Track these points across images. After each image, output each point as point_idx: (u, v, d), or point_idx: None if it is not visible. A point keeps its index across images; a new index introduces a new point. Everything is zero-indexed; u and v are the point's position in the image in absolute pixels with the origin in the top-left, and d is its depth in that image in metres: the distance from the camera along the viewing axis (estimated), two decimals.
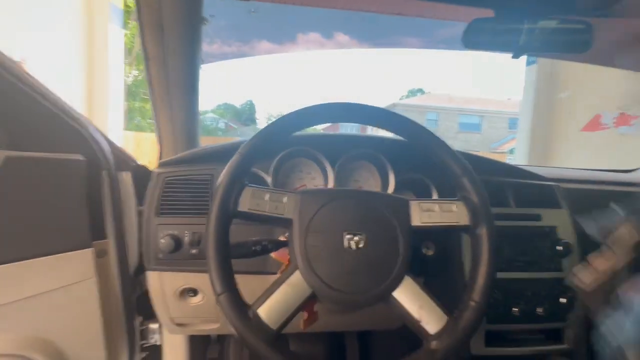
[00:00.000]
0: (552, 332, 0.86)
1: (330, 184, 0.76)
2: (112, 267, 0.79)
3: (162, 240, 0.72)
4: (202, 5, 0.56)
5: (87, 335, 0.73)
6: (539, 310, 0.76)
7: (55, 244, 0.65)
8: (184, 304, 0.78)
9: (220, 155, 0.79)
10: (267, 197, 0.51)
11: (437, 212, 0.54)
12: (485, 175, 0.58)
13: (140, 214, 0.85)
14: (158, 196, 0.76)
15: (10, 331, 0.61)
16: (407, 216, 0.53)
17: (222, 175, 0.50)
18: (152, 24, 0.57)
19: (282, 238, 0.64)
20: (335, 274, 0.49)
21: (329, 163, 0.77)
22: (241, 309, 0.46)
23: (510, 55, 0.83)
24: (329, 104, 0.57)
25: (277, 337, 0.46)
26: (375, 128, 0.61)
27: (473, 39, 0.77)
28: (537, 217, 0.82)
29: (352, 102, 0.56)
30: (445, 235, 0.77)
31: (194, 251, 0.73)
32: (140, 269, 0.88)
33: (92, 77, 3.65)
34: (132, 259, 0.85)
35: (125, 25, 4.15)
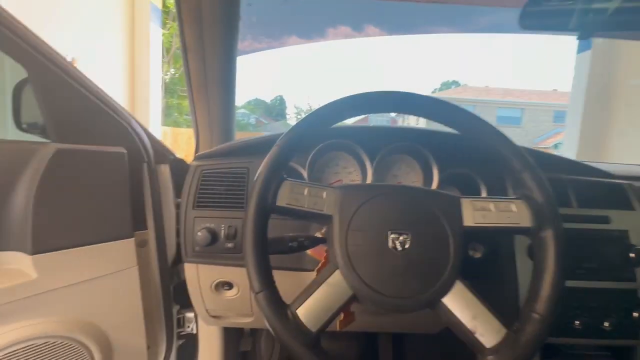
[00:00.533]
0: (621, 350, 0.77)
1: (369, 179, 0.72)
2: (151, 257, 0.81)
3: (199, 233, 0.72)
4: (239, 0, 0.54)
5: (129, 321, 0.76)
6: (606, 324, 0.67)
7: (100, 233, 0.68)
8: (219, 296, 0.79)
9: (256, 148, 0.78)
10: (305, 191, 0.48)
11: (493, 211, 0.49)
12: (544, 172, 0.51)
13: (178, 206, 0.87)
14: (195, 189, 0.77)
15: (61, 314, 0.64)
16: (458, 215, 0.48)
17: (260, 168, 0.48)
18: (191, 19, 0.57)
19: (318, 234, 0.61)
20: (379, 275, 0.46)
21: (367, 157, 0.73)
22: (280, 308, 0.44)
23: (558, 41, 0.74)
24: (369, 93, 0.53)
25: (317, 340, 0.44)
26: (407, 119, 0.56)
27: (531, 19, 0.68)
28: (605, 220, 0.72)
29: (395, 90, 0.51)
30: (497, 237, 0.70)
31: (229, 245, 0.72)
32: (178, 260, 0.91)
33: (134, 74, 3.86)
34: (170, 250, 0.87)
35: (164, 25, 4.32)
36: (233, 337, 1.00)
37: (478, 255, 0.66)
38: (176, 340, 0.93)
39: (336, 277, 0.45)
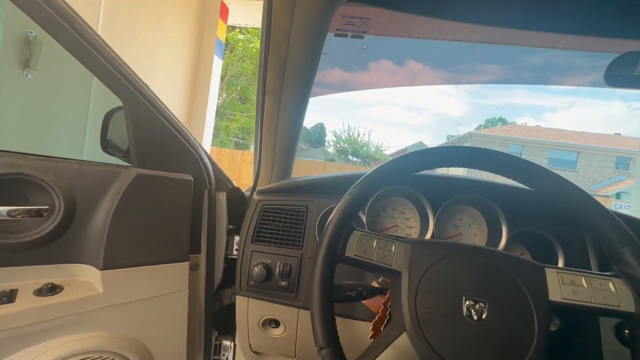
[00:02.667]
0: None
1: (430, 229, 0.69)
2: (200, 281, 0.84)
3: (256, 268, 0.73)
4: (323, 43, 0.58)
5: (173, 342, 0.77)
6: None
7: (161, 254, 0.71)
8: (264, 333, 0.78)
9: (316, 188, 0.79)
10: (374, 243, 0.47)
11: (586, 288, 0.43)
12: None
13: (229, 232, 0.90)
14: (255, 223, 0.78)
15: (115, 330, 0.67)
16: (543, 287, 0.44)
17: (332, 216, 0.48)
18: (276, 62, 0.61)
19: (375, 284, 0.59)
20: (451, 345, 0.41)
21: (430, 206, 0.71)
22: None
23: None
24: (445, 148, 0.51)
25: None
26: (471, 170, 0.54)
27: (620, 75, 0.64)
28: None
29: (471, 147, 0.50)
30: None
31: (283, 283, 0.72)
32: (222, 285, 0.92)
33: (194, 99, 4.22)
34: (217, 275, 0.89)
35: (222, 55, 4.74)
36: None
37: (554, 328, 0.57)
38: None
39: (403, 340, 0.42)
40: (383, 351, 0.41)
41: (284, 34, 0.56)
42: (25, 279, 0.60)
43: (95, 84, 2.09)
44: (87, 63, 0.63)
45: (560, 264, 0.66)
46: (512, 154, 0.51)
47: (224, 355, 0.95)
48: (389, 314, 0.52)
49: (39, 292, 0.59)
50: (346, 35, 0.66)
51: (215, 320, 0.90)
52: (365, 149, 17.37)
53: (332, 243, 0.46)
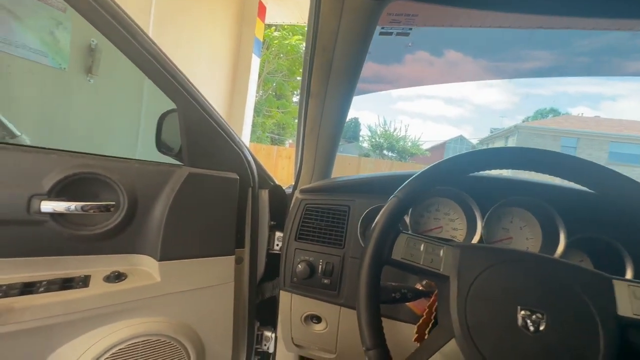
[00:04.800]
0: None
1: (477, 232, 0.66)
2: (244, 274, 0.88)
3: (299, 266, 0.75)
4: (370, 44, 0.57)
5: (221, 331, 0.82)
6: None
7: (210, 248, 0.76)
8: (306, 328, 0.80)
9: (358, 188, 0.79)
10: (422, 247, 0.46)
11: None
12: None
13: (270, 228, 0.94)
14: (298, 221, 0.81)
15: (170, 317, 0.73)
16: (610, 301, 0.40)
17: (378, 219, 0.48)
18: (322, 64, 0.61)
19: (419, 287, 0.59)
20: (505, 355, 0.39)
21: (478, 208, 0.68)
22: None
23: None
24: (499, 149, 0.48)
25: None
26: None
27: None
28: None
29: (527, 148, 0.46)
30: None
31: (326, 281, 0.74)
32: (263, 279, 0.96)
33: (233, 97, 4.39)
34: (260, 269, 0.93)
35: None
36: None
37: None
38: (254, 356, 0.97)
39: (451, 347, 0.41)
40: (430, 357, 0.41)
41: (331, 36, 0.56)
42: (96, 266, 0.67)
43: (146, 88, 2.25)
44: (146, 69, 0.68)
45: (629, 275, 0.60)
46: (578, 157, 0.46)
47: (265, 345, 1.00)
48: (435, 317, 0.52)
49: (108, 279, 0.65)
50: (391, 34, 0.64)
51: (257, 311, 0.95)
52: (401, 143, 16.88)
53: (378, 246, 0.46)
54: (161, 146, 0.91)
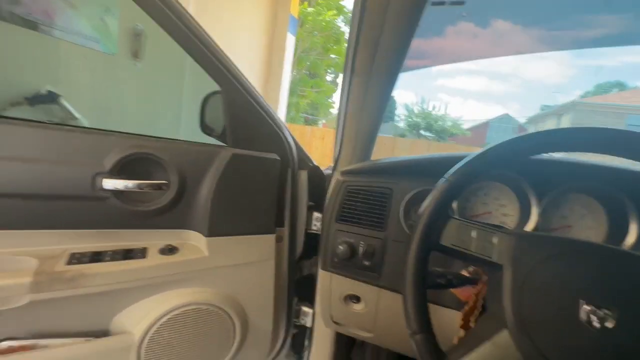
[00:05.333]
0: None
1: (532, 220, 0.62)
2: (284, 252, 0.91)
3: (340, 247, 0.76)
4: (420, 19, 0.53)
5: (263, 305, 0.87)
6: None
7: (253, 226, 0.79)
8: (345, 307, 0.82)
9: (401, 170, 0.77)
10: (474, 233, 0.44)
11: None
12: None
13: (309, 208, 0.95)
14: (340, 203, 0.80)
15: (217, 288, 0.78)
16: None
17: (427, 202, 0.46)
18: (368, 43, 0.59)
19: (465, 273, 0.57)
20: (564, 351, 0.37)
21: (534, 194, 0.63)
22: (438, 356, 0.41)
23: None
24: (565, 130, 0.43)
25: None
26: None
27: None
28: None
29: (602, 127, 0.41)
30: None
31: (366, 263, 0.74)
32: (302, 257, 0.99)
33: (268, 76, 4.41)
34: (298, 247, 0.96)
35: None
36: (345, 342, 1.03)
37: None
38: (292, 328, 1.02)
39: (504, 337, 0.39)
40: (480, 345, 0.40)
41: (379, 14, 0.53)
42: (152, 239, 0.72)
43: (187, 73, 2.33)
44: (192, 52, 0.70)
45: None
46: None
47: (302, 319, 1.04)
48: (482, 305, 0.50)
49: (162, 251, 0.71)
50: (443, 3, 0.59)
51: (296, 288, 0.98)
52: (439, 123, 16.06)
53: (427, 231, 0.44)
54: (205, 127, 0.94)
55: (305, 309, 1.04)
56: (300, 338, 1.11)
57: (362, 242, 0.74)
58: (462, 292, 0.58)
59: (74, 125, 0.66)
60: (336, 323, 0.85)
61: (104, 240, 0.68)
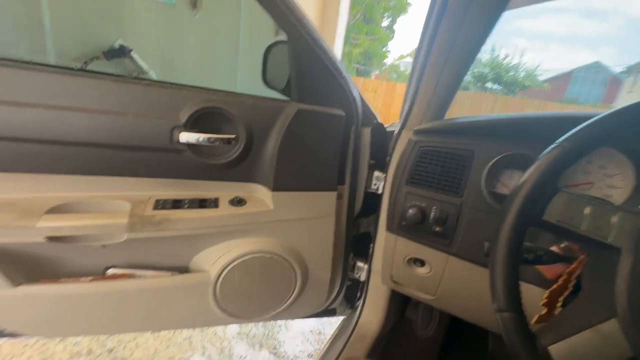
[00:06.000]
0: None
1: None
2: (343, 209, 0.91)
3: (410, 210, 0.73)
4: None
5: (322, 257, 0.90)
6: None
7: (316, 183, 0.79)
8: (408, 269, 0.82)
9: (485, 130, 0.69)
10: (587, 210, 0.38)
11: None
12: None
13: (370, 167, 0.92)
14: (411, 164, 0.76)
15: (281, 239, 0.82)
16: None
17: (532, 171, 0.40)
18: None
19: (556, 250, 0.51)
20: None
21: None
22: (528, 337, 0.39)
23: None
24: None
25: None
26: None
27: None
28: None
29: None
30: None
31: (437, 229, 0.71)
32: (360, 215, 0.99)
33: (323, 23, 4.16)
34: (357, 206, 0.95)
35: None
36: (400, 299, 1.05)
37: None
38: (347, 281, 1.06)
39: (611, 327, 0.35)
40: (578, 332, 0.36)
41: None
42: (222, 191, 0.77)
43: (243, 23, 2.27)
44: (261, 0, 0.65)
45: None
46: None
47: (357, 274, 1.08)
48: (574, 286, 0.45)
49: (231, 202, 0.75)
50: None
51: (352, 243, 1.00)
52: (511, 73, 14.10)
53: (528, 203, 0.39)
54: (267, 80, 0.92)
55: (359, 264, 1.06)
56: (353, 290, 1.16)
57: (434, 207, 0.70)
58: (549, 270, 0.53)
59: (151, 80, 0.69)
60: (395, 282, 0.86)
61: (182, 189, 0.74)
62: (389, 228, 0.79)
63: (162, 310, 0.80)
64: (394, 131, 0.91)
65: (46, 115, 0.60)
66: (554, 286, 0.47)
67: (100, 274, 0.74)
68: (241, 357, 1.41)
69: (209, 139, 0.69)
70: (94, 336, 1.39)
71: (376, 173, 0.93)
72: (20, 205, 0.61)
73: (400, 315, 1.13)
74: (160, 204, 0.69)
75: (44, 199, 0.63)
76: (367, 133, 0.87)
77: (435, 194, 0.70)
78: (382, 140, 0.93)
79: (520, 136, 0.63)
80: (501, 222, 0.40)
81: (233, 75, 2.52)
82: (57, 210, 0.63)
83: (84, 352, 1.33)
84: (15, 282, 0.65)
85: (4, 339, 0.82)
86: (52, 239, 0.62)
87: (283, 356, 1.44)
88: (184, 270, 0.80)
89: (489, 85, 14.40)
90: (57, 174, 0.64)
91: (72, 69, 0.64)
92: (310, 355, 1.46)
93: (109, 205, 0.67)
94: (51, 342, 1.36)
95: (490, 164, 0.63)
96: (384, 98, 8.92)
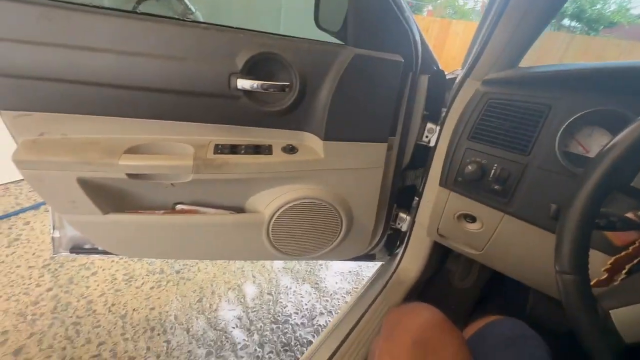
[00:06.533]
0: None
1: None
2: (392, 161, 0.90)
3: (470, 167, 0.69)
4: None
5: (367, 206, 0.93)
6: None
7: (368, 133, 0.78)
8: (457, 224, 0.82)
9: (569, 82, 0.60)
10: None
11: None
12: None
13: (423, 118, 0.88)
14: (476, 118, 0.70)
15: (329, 188, 0.85)
16: None
17: (630, 132, 0.36)
18: None
19: (631, 216, 0.47)
20: None
21: None
22: (589, 300, 0.38)
23: None
24: None
25: (624, 351, 0.37)
26: None
27: None
28: None
29: None
30: None
31: (496, 187, 0.68)
32: (407, 167, 0.97)
33: None
34: (406, 158, 0.94)
35: None
36: (442, 251, 1.07)
37: None
38: (388, 230, 1.10)
39: None
40: None
41: None
42: (275, 138, 0.79)
43: None
44: None
45: None
46: None
47: (399, 224, 1.10)
48: None
49: (284, 149, 0.78)
50: None
51: (397, 195, 1.01)
52: (597, 7, 11.77)
53: (619, 166, 0.36)
54: (320, 21, 0.87)
55: (402, 215, 1.08)
56: (393, 239, 1.20)
57: (495, 165, 0.66)
58: (619, 237, 0.50)
59: (208, 23, 0.68)
60: (441, 235, 0.87)
61: (238, 135, 0.77)
62: (443, 183, 0.77)
63: (221, 243, 0.90)
64: (453, 79, 0.84)
65: (116, 60, 0.63)
66: (622, 253, 0.45)
67: (170, 209, 0.84)
68: (286, 287, 1.58)
69: (262, 85, 0.69)
70: (165, 259, 1.62)
71: (429, 125, 0.89)
72: (103, 144, 0.69)
73: (439, 265, 1.16)
74: (219, 149, 0.73)
75: (121, 140, 0.70)
76: (424, 81, 0.82)
77: (498, 151, 0.66)
78: (439, 90, 0.87)
79: (609, 89, 0.55)
80: (581, 185, 0.37)
81: (277, 16, 2.39)
82: (133, 150, 0.70)
83: (157, 271, 1.58)
84: (104, 211, 0.77)
85: (96, 255, 0.99)
86: (131, 176, 0.70)
87: (323, 291, 1.58)
88: (240, 209, 0.87)
89: (566, 22, 12.22)
90: (129, 118, 0.70)
91: (135, 12, 0.65)
92: (348, 293, 1.59)
93: (175, 148, 0.73)
94: (132, 260, 1.62)
95: (571, 120, 0.57)
96: (436, 38, 8.04)
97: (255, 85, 0.68)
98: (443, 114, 0.89)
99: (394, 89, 0.74)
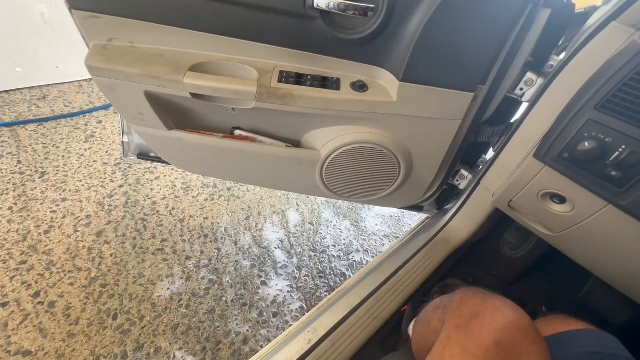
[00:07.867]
0: None
1: None
2: (472, 113, 0.78)
3: (586, 144, 0.55)
4: None
5: (431, 160, 0.85)
6: None
7: (454, 79, 0.66)
8: (539, 202, 0.71)
9: None
10: None
11: None
12: None
13: (524, 66, 0.72)
14: (619, 81, 0.52)
15: (394, 135, 0.77)
16: None
17: None
18: None
19: None
20: None
21: None
22: None
23: None
24: None
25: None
26: None
27: None
28: None
29: None
30: None
31: (613, 173, 0.54)
32: (485, 122, 0.85)
33: None
34: (489, 111, 0.81)
35: None
36: (500, 220, 0.99)
37: None
38: (445, 185, 1.03)
39: None
40: None
41: None
42: (344, 71, 0.70)
43: None
44: None
45: None
46: None
47: (457, 181, 1.02)
48: None
49: (353, 86, 0.69)
50: None
51: (464, 150, 0.90)
52: None
53: None
54: None
55: (464, 172, 0.99)
56: (447, 194, 1.13)
57: (623, 146, 0.52)
58: None
59: None
60: (511, 207, 0.78)
61: (305, 63, 0.69)
62: (539, 155, 0.65)
63: (273, 173, 0.90)
64: (583, 16, 0.66)
65: None
66: None
67: (228, 132, 0.83)
68: (327, 220, 1.63)
69: (339, 5, 0.58)
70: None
71: (529, 74, 0.74)
72: (169, 57, 0.66)
73: (490, 231, 1.09)
74: (284, 77, 0.68)
75: (186, 55, 0.67)
76: (543, 17, 0.64)
77: (634, 130, 0.51)
78: (557, 31, 0.69)
79: None
80: None
81: None
82: (197, 68, 0.66)
83: (211, 185, 1.70)
84: (169, 126, 0.78)
85: (160, 164, 1.07)
86: (194, 95, 0.68)
87: (362, 230, 1.62)
88: (296, 143, 0.84)
89: None
90: (195, 31, 0.65)
91: None
92: (386, 236, 1.61)
93: (240, 70, 0.68)
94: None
95: None
96: None
97: (333, 5, 0.58)
98: (552, 63, 0.73)
99: (500, 28, 0.59)
